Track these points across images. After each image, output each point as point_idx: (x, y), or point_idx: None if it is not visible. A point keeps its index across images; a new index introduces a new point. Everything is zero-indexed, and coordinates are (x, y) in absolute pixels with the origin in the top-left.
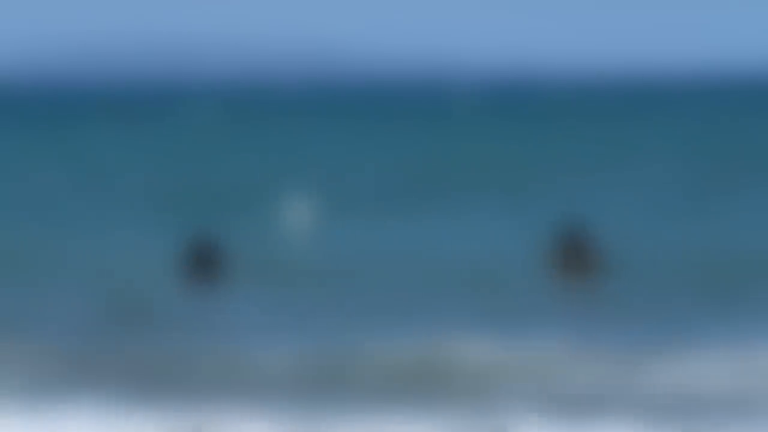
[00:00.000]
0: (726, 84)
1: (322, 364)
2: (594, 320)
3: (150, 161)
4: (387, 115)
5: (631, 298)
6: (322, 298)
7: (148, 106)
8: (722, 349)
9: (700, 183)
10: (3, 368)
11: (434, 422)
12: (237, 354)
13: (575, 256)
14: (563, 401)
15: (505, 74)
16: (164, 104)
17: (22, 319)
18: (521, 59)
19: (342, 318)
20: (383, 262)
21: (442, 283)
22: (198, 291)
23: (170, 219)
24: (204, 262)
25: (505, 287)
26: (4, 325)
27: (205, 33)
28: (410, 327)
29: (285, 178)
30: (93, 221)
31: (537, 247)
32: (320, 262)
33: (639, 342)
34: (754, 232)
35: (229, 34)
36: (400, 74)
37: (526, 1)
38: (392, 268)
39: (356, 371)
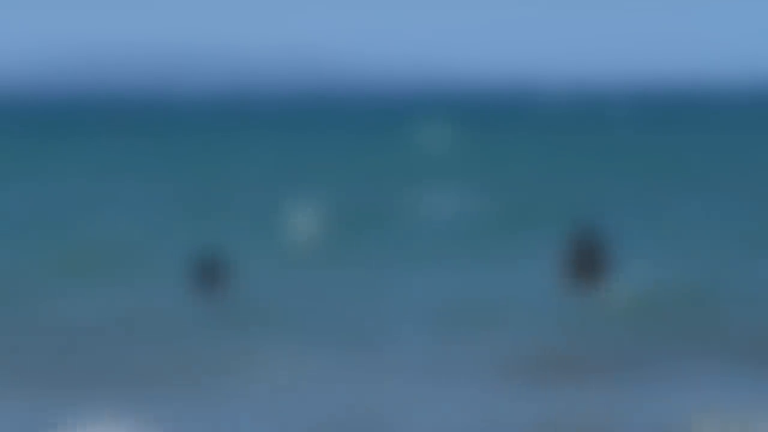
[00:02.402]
0: (741, 94)
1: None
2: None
3: (147, 170)
4: (382, 124)
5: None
6: (327, 310)
7: (146, 115)
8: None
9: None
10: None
11: None
12: (243, 362)
13: (587, 262)
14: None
15: (508, 82)
16: (162, 113)
17: (33, 328)
18: (527, 67)
19: (347, 330)
20: (385, 272)
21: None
22: (204, 300)
23: (172, 229)
24: (210, 272)
25: (520, 300)
26: (17, 332)
27: (203, 42)
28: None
29: (287, 187)
30: (96, 232)
31: (551, 256)
32: (324, 273)
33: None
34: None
35: (227, 43)
36: (396, 83)
37: (524, 9)
38: (396, 278)
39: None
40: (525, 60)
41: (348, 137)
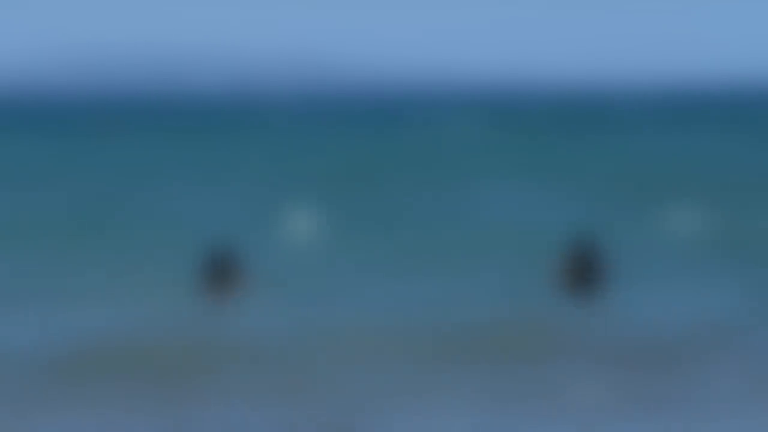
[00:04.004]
0: (741, 96)
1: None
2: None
3: (150, 173)
4: (381, 125)
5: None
6: (333, 311)
7: (147, 115)
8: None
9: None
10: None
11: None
12: (255, 364)
13: (582, 268)
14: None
15: (502, 85)
16: (164, 114)
17: (43, 329)
18: (521, 70)
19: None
20: (390, 270)
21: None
22: (215, 302)
23: (174, 231)
24: (220, 274)
25: (515, 296)
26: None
27: (206, 43)
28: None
29: (292, 187)
30: (100, 239)
31: (544, 262)
32: (329, 273)
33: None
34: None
35: (227, 44)
36: (395, 84)
37: (523, 12)
38: (401, 276)
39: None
40: (525, 60)
41: (347, 138)
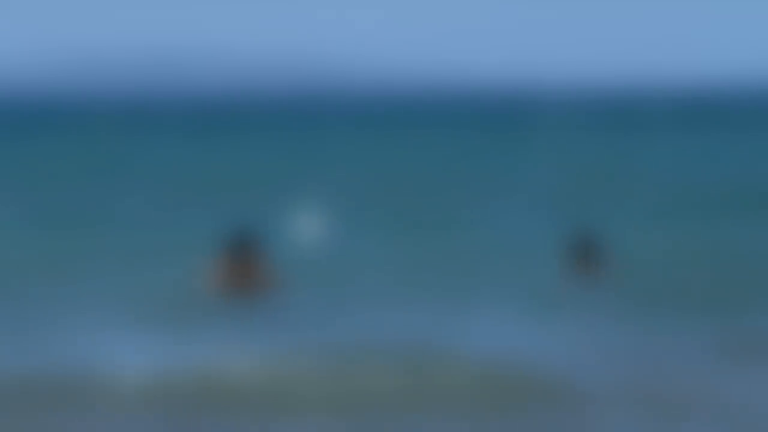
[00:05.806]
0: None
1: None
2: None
3: (151, 172)
4: (383, 126)
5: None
6: (339, 303)
7: (147, 117)
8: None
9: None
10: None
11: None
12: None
13: (586, 258)
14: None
15: (506, 84)
16: (164, 115)
17: (64, 314)
18: (521, 70)
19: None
20: (396, 270)
21: (456, 284)
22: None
23: (174, 234)
24: (244, 254)
25: (525, 288)
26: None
27: (205, 44)
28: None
29: (293, 186)
30: (99, 242)
31: (552, 251)
32: (335, 269)
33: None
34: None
35: (229, 45)
36: (400, 86)
37: (523, 14)
38: (408, 275)
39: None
40: (528, 63)
41: (352, 140)
